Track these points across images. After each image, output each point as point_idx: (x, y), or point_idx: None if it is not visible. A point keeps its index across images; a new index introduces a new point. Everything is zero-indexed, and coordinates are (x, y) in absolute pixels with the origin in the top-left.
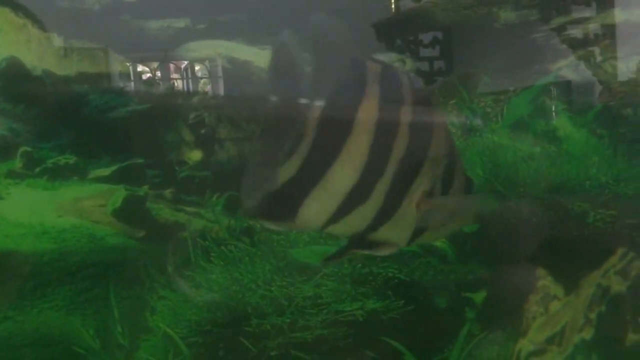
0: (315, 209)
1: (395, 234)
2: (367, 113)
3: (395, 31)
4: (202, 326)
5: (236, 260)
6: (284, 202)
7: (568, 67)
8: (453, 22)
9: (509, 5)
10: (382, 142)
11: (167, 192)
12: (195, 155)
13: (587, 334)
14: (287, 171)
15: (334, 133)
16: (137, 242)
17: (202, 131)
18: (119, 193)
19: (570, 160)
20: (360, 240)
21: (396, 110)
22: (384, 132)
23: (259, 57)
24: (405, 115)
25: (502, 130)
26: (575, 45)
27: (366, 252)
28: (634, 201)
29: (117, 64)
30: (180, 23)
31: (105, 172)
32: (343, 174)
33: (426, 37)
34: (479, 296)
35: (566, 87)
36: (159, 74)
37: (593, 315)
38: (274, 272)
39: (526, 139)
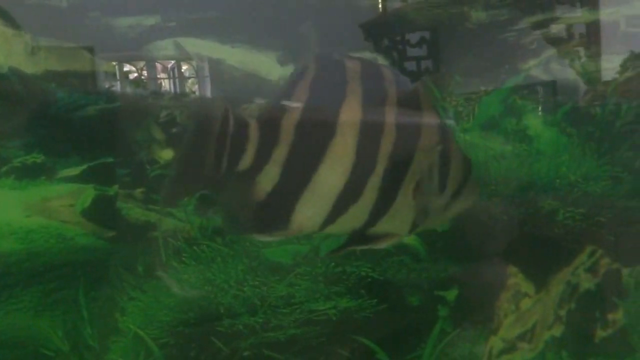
0: (308, 213)
1: (395, 225)
2: (350, 113)
3: (383, 31)
4: (174, 327)
5: (208, 260)
6: (274, 212)
7: (537, 67)
8: (440, 22)
9: (487, 4)
10: (369, 140)
11: (138, 192)
12: (167, 154)
13: (557, 331)
14: (267, 179)
15: (315, 136)
16: (107, 242)
17: (174, 130)
18: (88, 192)
19: (540, 159)
20: (359, 236)
21: (381, 106)
22: (370, 130)
23: (231, 55)
24: (391, 110)
25: (473, 130)
26: (559, 43)
27: (366, 247)
28: (602, 199)
29: (95, 63)
30: (150, 20)
31: (74, 171)
32: (331, 176)
33: (413, 37)
34: (451, 294)
35: (551, 87)
36: (145, 73)
37: (563, 313)
38: (247, 272)
39: (497, 138)
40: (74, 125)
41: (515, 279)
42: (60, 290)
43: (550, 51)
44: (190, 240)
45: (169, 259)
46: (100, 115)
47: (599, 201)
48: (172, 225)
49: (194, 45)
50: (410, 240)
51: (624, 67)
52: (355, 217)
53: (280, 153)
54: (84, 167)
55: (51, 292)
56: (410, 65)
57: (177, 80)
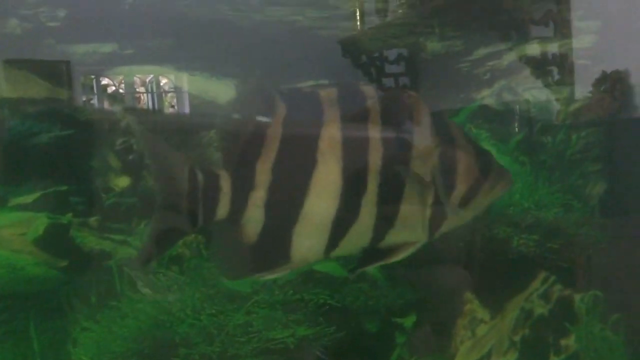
0: (307, 243)
1: (409, 234)
2: (329, 140)
3: (361, 48)
4: (128, 357)
5: (165, 288)
6: (270, 250)
7: (490, 96)
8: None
9: (442, 36)
10: (354, 161)
11: (93, 220)
12: (123, 181)
13: (512, 357)
14: (252, 222)
15: (295, 171)
16: (60, 272)
17: (130, 157)
18: (41, 221)
19: None
20: (371, 252)
21: (363, 124)
22: (354, 152)
23: (189, 83)
24: (375, 126)
25: None
26: (534, 66)
27: (382, 262)
28: (554, 226)
29: (53, 90)
30: (107, 48)
31: (26, 199)
32: (321, 204)
33: (391, 54)
34: (409, 321)
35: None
36: (122, 87)
37: (517, 338)
38: (204, 300)
39: None
40: (26, 153)
41: (472, 305)
42: (10, 322)
43: (503, 81)
44: (146, 268)
45: (123, 288)
46: (54, 143)
47: (551, 228)
48: (127, 253)
49: (153, 73)
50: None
51: (570, 99)
52: (358, 236)
53: (258, 196)
54: (37, 195)
55: (1, 323)
56: (389, 82)
57: (155, 94)
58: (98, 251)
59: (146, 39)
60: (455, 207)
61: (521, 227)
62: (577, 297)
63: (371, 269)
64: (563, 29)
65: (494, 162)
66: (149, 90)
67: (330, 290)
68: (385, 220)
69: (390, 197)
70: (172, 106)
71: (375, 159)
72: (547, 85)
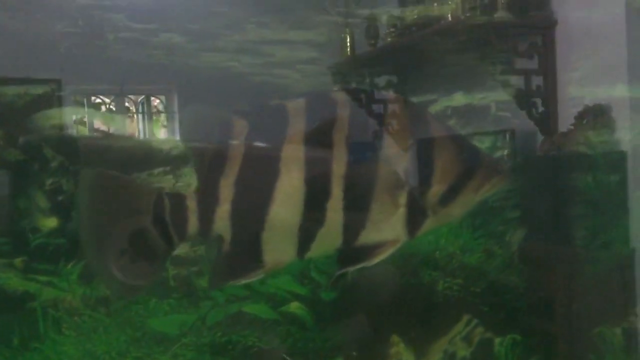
0: (277, 248)
1: (386, 233)
2: (292, 150)
3: (351, 74)
4: None
5: (89, 330)
6: (242, 257)
7: None
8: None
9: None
10: (317, 169)
11: (18, 261)
12: (51, 222)
13: None
14: (223, 234)
15: (256, 184)
16: None
17: (60, 198)
18: None
19: None
20: (348, 255)
21: (329, 132)
22: (317, 160)
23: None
24: (341, 132)
25: None
26: (518, 96)
27: (359, 265)
28: (477, 270)
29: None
30: (39, 90)
31: None
32: (285, 212)
33: (381, 80)
34: None
35: (510, 136)
36: (113, 107)
37: None
38: (130, 342)
39: None
40: None
41: (397, 347)
42: None
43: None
44: (72, 310)
45: (47, 331)
46: None
47: (475, 272)
48: (52, 295)
49: (87, 113)
50: (297, 309)
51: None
52: (328, 239)
53: (224, 210)
54: None
55: None
56: (378, 109)
57: (145, 115)
58: (22, 292)
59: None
60: (435, 206)
61: (446, 271)
62: (497, 340)
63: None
64: (547, 62)
65: (483, 158)
66: (139, 110)
67: (258, 332)
68: (355, 222)
69: (357, 200)
70: (164, 126)
71: (339, 165)
72: (531, 117)
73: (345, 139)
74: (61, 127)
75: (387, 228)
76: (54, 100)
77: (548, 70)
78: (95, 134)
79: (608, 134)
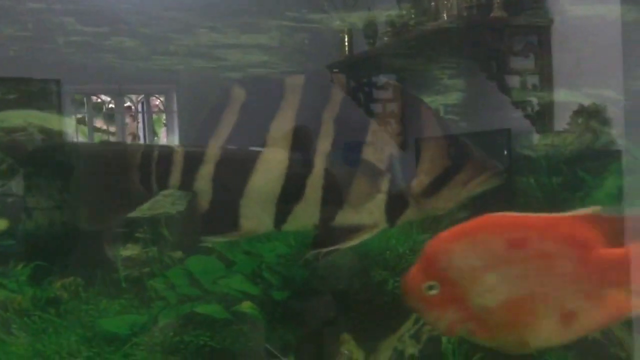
0: (253, 216)
1: (364, 217)
2: (282, 123)
3: (349, 73)
4: None
5: (39, 331)
6: (220, 218)
7: None
8: (406, 66)
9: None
10: (303, 144)
11: None
12: (1, 224)
13: None
14: (203, 194)
15: (241, 152)
16: None
17: (9, 200)
18: None
19: None
20: (324, 235)
21: (320, 110)
22: (303, 137)
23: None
24: (331, 112)
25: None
26: (514, 95)
27: (333, 248)
28: None
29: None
30: None
31: None
32: (266, 183)
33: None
34: None
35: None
36: (111, 106)
37: None
38: (80, 342)
39: None
40: None
41: (348, 345)
42: None
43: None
44: (21, 311)
45: None
46: None
47: None
48: (2, 296)
49: (35, 117)
50: (249, 308)
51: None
52: (305, 214)
53: (207, 171)
54: None
55: None
56: (376, 108)
57: (145, 114)
58: None
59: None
60: (418, 196)
61: (396, 270)
62: (444, 338)
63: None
64: (543, 61)
65: (473, 154)
66: (138, 110)
67: (210, 331)
68: (333, 202)
69: (337, 181)
70: (165, 124)
71: (325, 143)
72: (527, 116)
73: (334, 119)
74: (11, 130)
75: (365, 212)
76: (2, 102)
77: (544, 69)
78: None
79: (604, 133)
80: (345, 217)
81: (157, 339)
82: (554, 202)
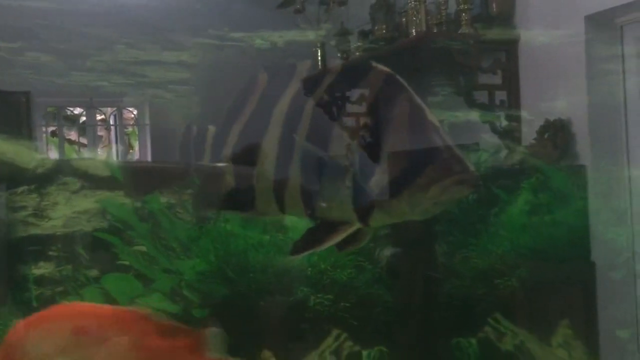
0: (265, 201)
1: (339, 212)
2: (279, 109)
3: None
4: None
5: None
6: (242, 198)
7: None
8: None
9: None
10: (288, 132)
11: None
12: None
13: None
14: (229, 174)
15: (253, 135)
16: None
17: None
18: None
19: None
20: (312, 233)
21: (309, 94)
22: (290, 122)
23: None
24: (312, 100)
25: (234, 219)
26: (483, 110)
27: (316, 249)
28: (347, 286)
29: None
30: None
31: None
32: (265, 168)
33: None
34: None
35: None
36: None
37: None
38: None
39: (256, 227)
40: None
41: None
42: None
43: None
44: None
45: None
46: None
47: (345, 288)
48: None
49: None
50: None
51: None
52: (294, 202)
53: (227, 153)
54: None
55: None
56: (350, 122)
57: (117, 127)
58: None
59: None
60: (379, 196)
61: (318, 287)
62: (364, 352)
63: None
64: (511, 77)
65: (440, 155)
66: (110, 123)
67: None
68: (309, 192)
69: (309, 171)
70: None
71: (303, 131)
72: (494, 132)
73: (312, 109)
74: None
75: (337, 207)
76: None
77: (511, 85)
78: None
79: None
80: (323, 210)
81: None
82: (470, 218)
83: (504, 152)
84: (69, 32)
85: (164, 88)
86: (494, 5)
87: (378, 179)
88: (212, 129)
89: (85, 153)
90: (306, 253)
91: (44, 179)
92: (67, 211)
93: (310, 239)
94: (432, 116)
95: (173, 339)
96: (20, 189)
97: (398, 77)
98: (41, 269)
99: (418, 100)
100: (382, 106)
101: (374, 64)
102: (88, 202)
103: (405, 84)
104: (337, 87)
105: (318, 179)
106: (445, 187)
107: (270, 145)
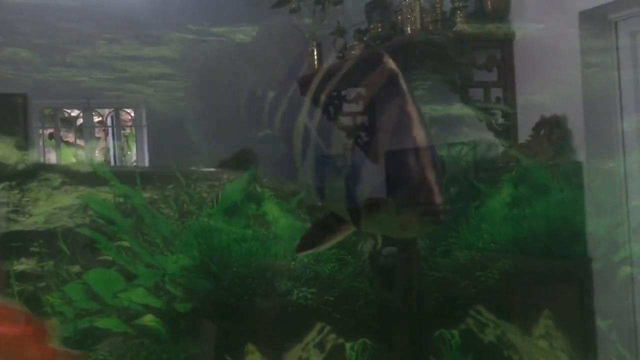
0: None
1: (339, 211)
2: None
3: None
4: None
5: None
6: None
7: None
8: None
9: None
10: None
11: None
12: None
13: None
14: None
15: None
16: None
17: None
18: None
19: (278, 242)
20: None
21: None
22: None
23: None
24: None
25: (217, 214)
26: (479, 108)
27: (310, 251)
28: (330, 279)
29: None
30: None
31: None
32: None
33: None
34: None
35: (469, 151)
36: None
37: None
38: None
39: (239, 222)
40: None
41: (252, 356)
42: None
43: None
44: None
45: None
46: None
47: (328, 281)
48: None
49: None
50: (151, 322)
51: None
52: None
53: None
54: None
55: None
56: (347, 121)
57: (114, 128)
58: None
59: None
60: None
61: (301, 280)
62: (348, 345)
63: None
64: (506, 74)
65: (411, 178)
66: (107, 124)
67: (110, 347)
68: (319, 187)
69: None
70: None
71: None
72: (490, 129)
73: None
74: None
75: (338, 207)
76: None
77: (507, 82)
78: None
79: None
80: (329, 203)
81: None
82: (451, 211)
83: (499, 149)
84: (47, 27)
85: (144, 83)
86: (489, 2)
87: (364, 186)
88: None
89: (83, 155)
90: (310, 251)
91: (25, 175)
92: (49, 207)
93: (317, 235)
94: (420, 128)
95: (16, 326)
96: (0, 185)
97: (400, 78)
98: (23, 264)
99: (411, 107)
100: (377, 108)
101: (385, 58)
102: (69, 198)
103: (404, 87)
104: (347, 79)
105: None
106: (408, 219)
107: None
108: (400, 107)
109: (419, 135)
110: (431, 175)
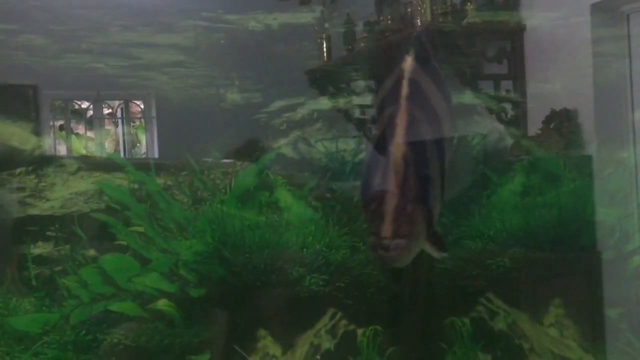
0: None
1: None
2: None
3: (328, 78)
4: None
5: None
6: None
7: (287, 145)
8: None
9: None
10: None
11: None
12: None
13: None
14: None
15: None
16: None
17: None
18: None
19: (290, 229)
20: None
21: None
22: None
23: None
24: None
25: (230, 201)
26: (489, 104)
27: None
28: (342, 266)
29: None
30: None
31: None
32: None
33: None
34: (203, 358)
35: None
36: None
37: None
38: None
39: (252, 209)
40: None
41: (265, 341)
42: None
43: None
44: None
45: None
46: None
47: (340, 268)
48: None
49: None
50: (165, 306)
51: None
52: None
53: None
54: None
55: None
56: (354, 113)
57: (124, 120)
58: None
59: None
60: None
61: (313, 267)
62: (359, 331)
63: None
64: (516, 67)
65: (375, 216)
66: (117, 116)
67: (124, 330)
68: None
69: None
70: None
71: None
72: (500, 121)
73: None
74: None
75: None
76: None
77: (517, 74)
78: None
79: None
80: None
81: (69, 337)
82: (461, 199)
83: (509, 141)
84: (62, 14)
85: (159, 70)
86: None
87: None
88: None
89: (93, 147)
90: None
91: (41, 161)
92: (65, 192)
93: None
94: (401, 144)
95: None
96: (18, 170)
97: (405, 83)
98: (39, 248)
99: (401, 117)
100: (380, 107)
101: (406, 59)
102: (85, 183)
103: (404, 92)
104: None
105: None
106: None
107: None
108: (390, 116)
109: (397, 152)
110: (391, 202)
